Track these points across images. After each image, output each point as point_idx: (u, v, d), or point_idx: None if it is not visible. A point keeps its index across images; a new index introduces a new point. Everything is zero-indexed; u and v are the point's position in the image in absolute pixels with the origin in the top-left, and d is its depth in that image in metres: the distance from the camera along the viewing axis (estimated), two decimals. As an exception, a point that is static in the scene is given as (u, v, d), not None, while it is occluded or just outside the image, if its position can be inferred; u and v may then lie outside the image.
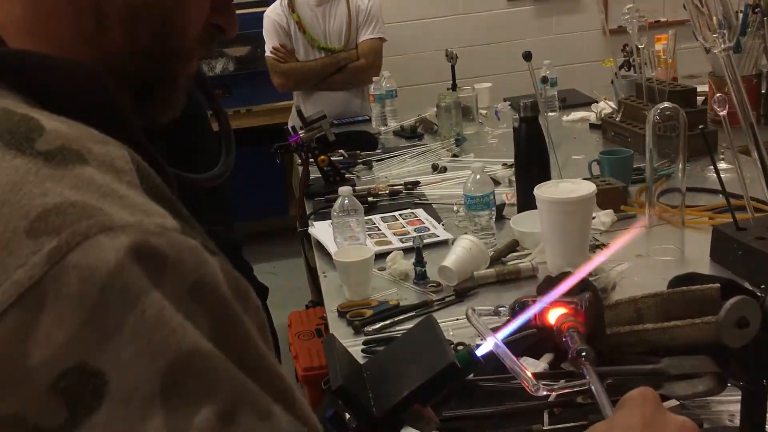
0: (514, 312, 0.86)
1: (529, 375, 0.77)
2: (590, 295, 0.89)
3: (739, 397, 0.90)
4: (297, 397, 0.43)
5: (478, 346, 0.79)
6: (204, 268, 0.40)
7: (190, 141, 1.98)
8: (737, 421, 0.93)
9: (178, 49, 0.54)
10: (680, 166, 1.56)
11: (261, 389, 0.40)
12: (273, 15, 3.19)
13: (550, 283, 1.27)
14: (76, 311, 0.36)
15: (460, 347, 0.78)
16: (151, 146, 0.49)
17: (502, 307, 0.85)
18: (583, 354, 0.80)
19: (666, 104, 1.59)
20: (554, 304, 0.87)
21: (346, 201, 1.71)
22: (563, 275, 1.27)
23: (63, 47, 0.49)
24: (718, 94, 1.52)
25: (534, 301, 0.86)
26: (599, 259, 0.78)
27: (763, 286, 0.87)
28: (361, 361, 0.82)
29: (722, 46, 1.51)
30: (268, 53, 3.21)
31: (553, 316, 0.85)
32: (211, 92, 0.71)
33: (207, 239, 0.42)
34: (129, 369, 0.36)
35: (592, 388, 0.78)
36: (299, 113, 2.43)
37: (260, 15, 3.27)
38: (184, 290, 0.38)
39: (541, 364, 1.17)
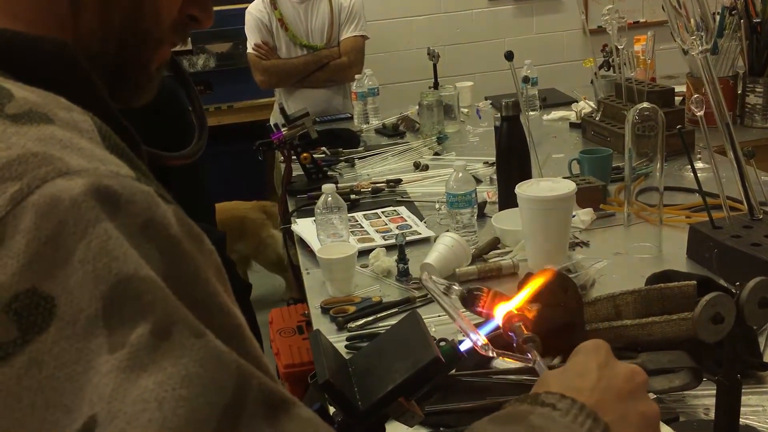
0: (464, 301, 0.86)
1: (481, 337, 0.77)
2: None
3: (714, 391, 0.92)
4: (247, 335, 0.46)
5: (461, 341, 0.81)
6: (155, 209, 0.43)
7: (173, 129, 1.99)
8: (712, 415, 0.95)
9: (149, 33, 0.56)
10: (658, 165, 1.58)
11: (209, 323, 0.43)
12: (255, 12, 3.19)
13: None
14: (31, 243, 0.40)
15: (442, 343, 0.79)
16: (119, 115, 0.52)
17: (455, 286, 0.85)
18: (530, 342, 0.79)
19: (645, 104, 1.62)
20: (497, 299, 0.87)
21: (329, 198, 1.72)
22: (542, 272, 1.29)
23: (40, 29, 0.51)
24: (695, 95, 1.55)
25: (480, 293, 0.86)
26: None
27: (737, 283, 0.89)
28: (345, 357, 0.83)
29: (699, 48, 1.53)
30: (249, 50, 3.21)
31: (500, 314, 0.85)
32: (184, 76, 0.74)
33: (162, 190, 0.46)
34: (75, 293, 0.39)
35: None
36: (282, 110, 2.44)
37: (242, 11, 3.27)
38: (136, 227, 0.42)
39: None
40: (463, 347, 0.79)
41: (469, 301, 0.86)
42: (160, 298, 0.40)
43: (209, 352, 0.41)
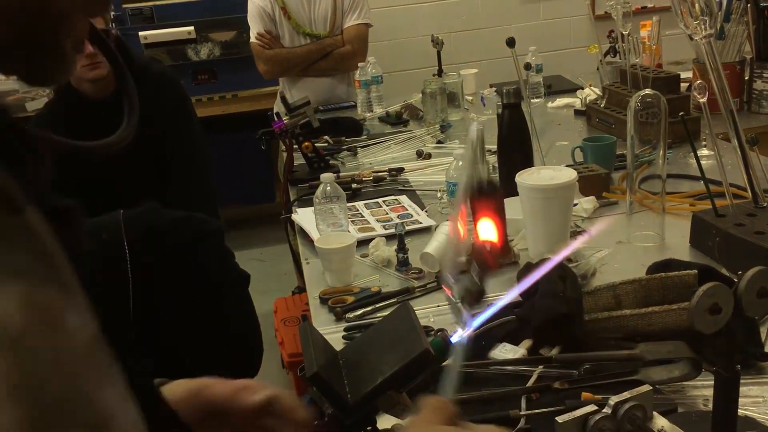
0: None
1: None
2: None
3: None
4: (116, 425, 0.42)
5: (454, 333, 0.80)
6: None
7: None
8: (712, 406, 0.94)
9: (46, 8, 0.49)
10: (661, 152, 1.56)
11: (69, 422, 0.39)
12: (258, 0, 3.17)
13: (529, 270, 1.27)
14: None
15: (440, 333, 0.78)
16: (8, 115, 0.46)
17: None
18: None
19: (647, 91, 1.60)
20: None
21: (328, 188, 1.71)
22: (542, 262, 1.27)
23: None
24: (698, 81, 1.53)
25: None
26: (573, 246, 0.75)
27: (739, 272, 0.88)
28: (339, 349, 0.82)
29: (703, 33, 1.51)
30: (253, 39, 3.19)
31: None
32: (108, 49, 0.66)
33: (11, 253, 0.40)
34: None
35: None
36: (283, 99, 2.43)
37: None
38: None
39: (519, 350, 1.18)
40: (454, 339, 0.78)
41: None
42: None
43: None
